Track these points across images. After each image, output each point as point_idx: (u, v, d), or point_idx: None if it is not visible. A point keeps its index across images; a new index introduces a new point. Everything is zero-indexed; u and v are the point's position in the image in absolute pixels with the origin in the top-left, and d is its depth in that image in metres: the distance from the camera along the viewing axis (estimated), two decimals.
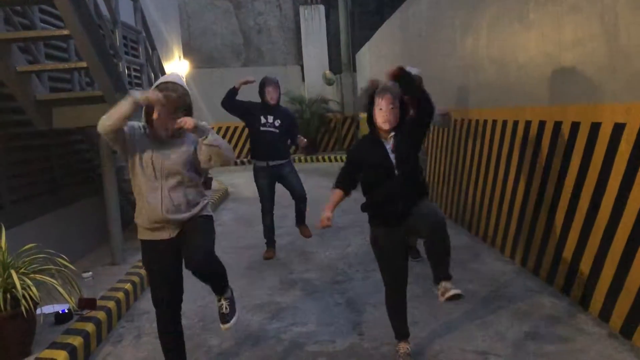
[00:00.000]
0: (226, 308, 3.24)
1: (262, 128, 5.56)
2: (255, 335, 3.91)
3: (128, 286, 4.71)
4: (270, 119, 5.59)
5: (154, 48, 6.62)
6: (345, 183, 3.28)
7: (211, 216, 3.23)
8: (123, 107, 2.83)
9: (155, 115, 2.90)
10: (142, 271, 5.13)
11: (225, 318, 3.23)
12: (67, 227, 5.50)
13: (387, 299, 3.36)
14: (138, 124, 3.05)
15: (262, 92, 5.60)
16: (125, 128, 2.93)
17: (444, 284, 3.05)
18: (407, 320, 3.38)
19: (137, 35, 6.16)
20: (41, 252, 3.69)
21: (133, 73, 7.25)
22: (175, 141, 3.02)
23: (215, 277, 3.18)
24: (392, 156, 3.13)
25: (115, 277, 4.95)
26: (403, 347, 3.32)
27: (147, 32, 6.46)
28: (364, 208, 3.29)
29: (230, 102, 5.46)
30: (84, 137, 6.04)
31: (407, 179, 3.13)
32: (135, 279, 4.91)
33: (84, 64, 4.67)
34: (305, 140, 5.97)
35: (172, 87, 2.93)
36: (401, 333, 3.36)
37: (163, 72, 6.89)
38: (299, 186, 5.78)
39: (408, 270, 3.35)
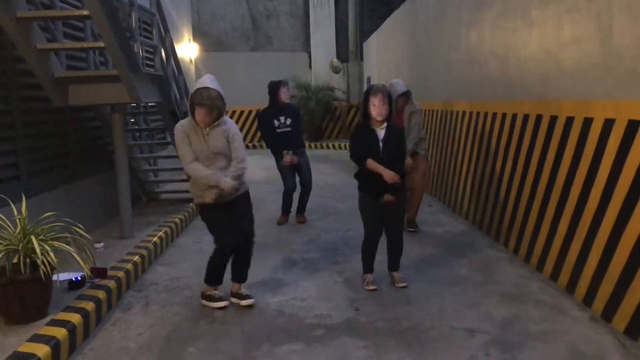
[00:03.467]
0: (244, 292, 4.23)
1: (278, 130, 6.45)
2: (257, 307, 4.13)
3: (137, 258, 4.93)
4: (282, 119, 6.44)
5: (167, 30, 6.79)
6: (366, 154, 4.23)
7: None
8: (209, 181, 3.88)
9: (197, 117, 3.83)
10: (150, 245, 5.36)
11: (245, 298, 4.18)
12: (79, 201, 5.71)
13: (365, 243, 4.45)
14: (183, 123, 3.98)
15: (275, 93, 6.42)
16: (185, 139, 3.90)
17: (395, 274, 4.52)
18: (374, 260, 4.48)
19: (151, 17, 6.32)
20: (58, 220, 3.90)
21: (146, 54, 7.43)
22: (214, 130, 3.92)
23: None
24: (381, 144, 4.20)
25: (125, 250, 5.17)
26: (369, 276, 4.47)
27: (161, 15, 6.62)
28: (356, 176, 4.40)
29: (272, 139, 6.50)
30: (98, 115, 6.24)
31: (389, 163, 4.16)
32: (144, 252, 5.13)
33: (101, 44, 4.86)
34: (290, 158, 6.50)
35: (206, 94, 3.79)
36: (369, 268, 4.49)
37: (175, 55, 7.07)
38: (308, 178, 6.68)
39: (382, 227, 4.40)
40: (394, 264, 4.53)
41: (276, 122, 6.42)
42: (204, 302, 4.20)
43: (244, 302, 4.14)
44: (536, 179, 4.64)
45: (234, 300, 4.20)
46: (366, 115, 4.26)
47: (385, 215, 4.36)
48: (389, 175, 4.12)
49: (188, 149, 3.90)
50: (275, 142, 6.49)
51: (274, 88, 6.44)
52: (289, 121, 6.46)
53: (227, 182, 3.87)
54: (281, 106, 6.44)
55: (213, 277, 4.20)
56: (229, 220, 4.04)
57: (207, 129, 3.90)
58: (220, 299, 4.17)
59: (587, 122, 3.84)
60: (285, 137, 6.45)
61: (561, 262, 4.19)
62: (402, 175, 4.24)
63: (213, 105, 3.82)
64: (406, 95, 5.83)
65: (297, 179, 6.70)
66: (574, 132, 4.03)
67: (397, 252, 4.50)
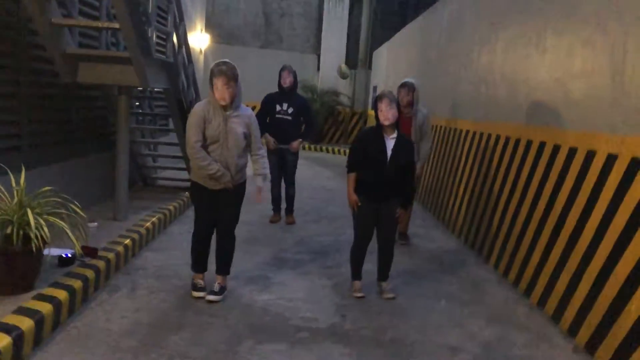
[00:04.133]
0: (217, 288, 4.17)
1: (277, 115, 6.44)
2: (244, 304, 4.14)
3: (128, 242, 4.92)
4: (285, 106, 6.41)
5: (181, 19, 6.80)
6: (357, 167, 4.34)
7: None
8: (210, 172, 3.93)
9: (216, 91, 3.86)
10: (142, 229, 5.36)
11: (212, 293, 4.14)
12: (77, 178, 5.70)
13: (353, 249, 4.49)
14: (201, 104, 4.01)
15: (279, 77, 6.42)
16: (200, 122, 3.91)
17: (383, 284, 4.51)
18: (362, 267, 4.49)
19: (167, 4, 6.33)
20: (55, 195, 3.89)
21: (158, 40, 7.44)
22: (236, 117, 3.99)
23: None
24: (389, 153, 4.22)
25: (117, 232, 5.16)
26: (357, 283, 4.47)
27: (177, 2, 6.63)
28: (357, 181, 4.35)
29: (262, 122, 6.10)
30: (104, 95, 6.23)
31: (394, 173, 4.23)
32: (135, 236, 5.13)
33: (116, 25, 4.86)
34: (294, 144, 6.51)
35: (224, 64, 3.88)
36: (356, 275, 4.49)
37: (187, 44, 7.07)
38: (291, 175, 6.69)
39: (373, 231, 4.42)
40: (382, 274, 4.54)
41: (278, 107, 6.43)
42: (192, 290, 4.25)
43: (208, 297, 4.12)
44: (533, 204, 4.67)
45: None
46: (378, 120, 4.31)
47: (380, 224, 4.39)
48: (351, 200, 4.33)
49: (198, 132, 3.90)
50: (271, 127, 6.41)
51: (280, 71, 6.51)
52: (290, 110, 6.44)
53: (259, 183, 4.24)
54: (286, 92, 6.46)
55: (193, 262, 4.27)
56: (211, 206, 4.09)
57: (228, 113, 3.93)
58: (200, 289, 4.19)
59: (590, 155, 3.87)
60: (282, 124, 6.41)
61: (550, 289, 4.21)
62: (413, 188, 4.43)
63: (231, 75, 3.84)
64: (408, 88, 5.73)
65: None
66: (576, 163, 4.06)
67: (387, 262, 4.51)
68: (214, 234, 4.26)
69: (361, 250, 4.47)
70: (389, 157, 4.22)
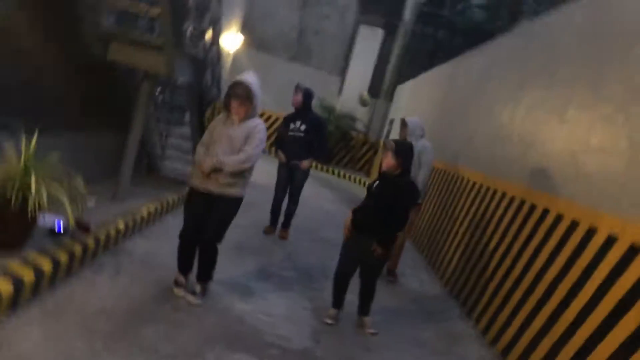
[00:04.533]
0: (199, 291, 4.19)
1: (290, 133, 6.59)
2: (221, 309, 4.14)
3: (120, 224, 4.93)
4: (298, 124, 6.56)
5: (219, 18, 6.89)
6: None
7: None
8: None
9: (232, 107, 4.05)
10: (137, 215, 5.37)
11: (192, 293, 4.16)
12: (84, 151, 5.72)
13: (336, 277, 4.51)
14: (218, 118, 4.20)
15: (308, 102, 6.65)
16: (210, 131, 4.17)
17: (365, 318, 4.51)
18: (343, 297, 4.51)
19: (208, 1, 6.42)
20: (61, 164, 3.91)
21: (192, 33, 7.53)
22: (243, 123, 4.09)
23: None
24: (375, 190, 4.42)
25: (112, 212, 5.18)
26: (333, 311, 4.49)
27: (218, 1, 6.73)
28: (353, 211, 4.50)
29: (281, 142, 6.71)
30: (129, 77, 6.29)
31: (381, 211, 4.29)
32: (129, 219, 5.14)
33: (157, 11, 4.94)
34: (304, 163, 6.61)
35: (242, 88, 3.99)
36: (336, 303, 4.52)
37: (218, 44, 7.15)
38: (297, 190, 6.74)
39: (357, 266, 4.46)
40: (364, 308, 4.54)
41: (292, 125, 6.57)
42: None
43: (187, 297, 4.12)
44: (525, 269, 4.66)
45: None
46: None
47: (365, 260, 4.42)
48: (346, 226, 4.42)
49: (205, 136, 4.18)
50: (283, 143, 6.63)
51: (308, 96, 6.65)
52: (303, 127, 6.53)
53: (206, 161, 4.00)
54: (299, 111, 6.60)
55: (179, 261, 4.27)
56: (197, 210, 4.09)
57: (237, 122, 4.09)
58: (180, 286, 4.20)
59: (591, 232, 3.88)
60: (294, 141, 6.53)
61: (527, 358, 4.19)
62: (393, 234, 4.38)
63: (245, 96, 4.01)
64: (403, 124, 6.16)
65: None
66: (575, 236, 4.07)
67: (368, 297, 4.51)
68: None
69: (342, 281, 4.49)
70: (375, 195, 4.39)
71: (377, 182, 4.47)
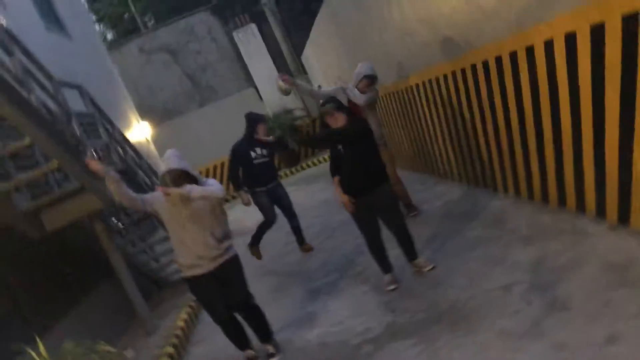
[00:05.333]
0: (273, 350, 4.14)
1: (255, 162, 6.34)
2: (300, 347, 4.10)
3: (170, 350, 4.87)
4: (259, 150, 6.37)
5: (112, 124, 6.79)
6: (335, 169, 4.48)
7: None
8: (110, 186, 3.79)
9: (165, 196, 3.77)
10: (179, 331, 5.31)
11: (273, 356, 4.11)
12: (93, 317, 5.65)
13: (368, 246, 4.48)
14: (157, 193, 3.88)
15: (253, 129, 6.28)
16: (148, 198, 3.91)
17: (416, 261, 4.48)
18: (388, 258, 4.48)
19: (92, 118, 6.32)
20: (78, 345, 3.85)
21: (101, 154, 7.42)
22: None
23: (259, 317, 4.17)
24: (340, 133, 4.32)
25: (155, 345, 5.11)
26: (388, 276, 4.46)
27: (100, 112, 6.62)
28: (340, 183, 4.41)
29: (236, 174, 6.44)
30: (80, 230, 6.19)
31: (358, 150, 4.24)
32: (175, 340, 5.08)
33: (55, 164, 4.84)
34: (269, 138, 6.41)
35: (168, 174, 3.79)
36: (385, 268, 4.48)
37: (129, 144, 7.06)
38: (289, 207, 6.59)
39: (378, 224, 4.41)
40: (411, 253, 4.50)
41: (253, 154, 6.32)
42: None
43: None
44: (506, 119, 4.67)
45: None
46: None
47: (382, 215, 4.38)
48: (343, 201, 4.35)
49: (146, 197, 3.96)
50: (252, 175, 6.37)
51: (253, 122, 6.32)
52: (265, 151, 6.37)
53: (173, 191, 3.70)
54: (251, 138, 6.30)
55: (234, 343, 4.22)
56: (210, 290, 3.97)
57: (186, 198, 3.82)
58: (271, 355, 4.14)
59: (530, 51, 3.88)
60: (262, 168, 6.36)
61: (562, 188, 4.20)
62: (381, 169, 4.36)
63: (177, 178, 3.79)
64: (370, 79, 5.81)
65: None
66: (522, 63, 4.07)
67: (407, 242, 4.45)
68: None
69: (374, 244, 4.44)
70: (343, 136, 4.28)
71: (340, 137, 4.33)
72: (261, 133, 6.24)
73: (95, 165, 3.80)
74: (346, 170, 4.33)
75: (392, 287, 4.38)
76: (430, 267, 4.41)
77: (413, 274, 4.49)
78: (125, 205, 3.96)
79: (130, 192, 3.87)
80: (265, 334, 4.19)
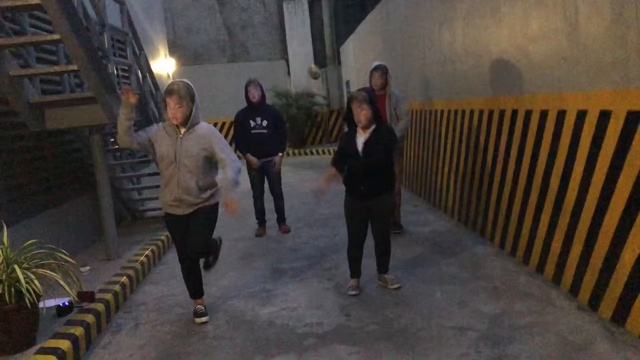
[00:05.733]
0: (201, 309, 4.22)
1: (253, 131, 6.34)
2: (248, 320, 4.13)
3: (124, 279, 4.89)
4: (259, 120, 6.32)
5: (140, 49, 6.78)
6: (337, 162, 4.40)
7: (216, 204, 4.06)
8: (119, 122, 3.81)
9: (169, 111, 3.76)
10: (138, 265, 5.34)
11: (199, 315, 4.18)
12: (63, 224, 5.67)
13: (349, 249, 4.48)
14: (157, 126, 3.97)
15: (246, 93, 6.31)
16: (144, 135, 3.90)
17: (385, 276, 4.54)
18: (360, 265, 4.51)
19: (124, 36, 6.31)
20: (42, 247, 3.87)
21: (121, 73, 7.41)
22: (190, 134, 3.85)
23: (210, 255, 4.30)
24: (360, 149, 4.21)
25: (112, 271, 5.14)
26: (353, 281, 4.49)
27: (134, 34, 6.61)
28: (343, 179, 4.38)
29: (239, 139, 6.45)
30: (76, 138, 6.20)
31: (372, 169, 4.19)
32: (131, 272, 5.10)
33: (74, 67, 4.84)
34: (276, 163, 6.51)
35: (174, 84, 3.78)
36: (354, 272, 4.51)
37: (150, 72, 7.05)
38: (277, 187, 6.66)
39: (366, 231, 4.42)
40: (382, 266, 4.55)
41: (252, 122, 6.33)
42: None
43: (196, 319, 4.16)
44: (516, 172, 4.70)
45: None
46: (350, 123, 4.32)
47: (371, 218, 4.38)
48: (320, 185, 4.31)
49: (142, 135, 3.92)
50: (248, 143, 6.38)
51: (246, 86, 6.37)
52: (265, 123, 6.34)
53: (226, 197, 3.82)
54: (256, 106, 6.32)
55: (188, 288, 4.27)
56: (183, 229, 4.00)
57: (183, 131, 3.85)
58: (202, 314, 4.18)
59: (561, 115, 3.90)
60: (259, 138, 6.33)
61: (546, 254, 4.24)
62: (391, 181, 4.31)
63: (182, 94, 3.74)
64: (380, 70, 5.72)
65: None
66: (549, 125, 4.08)
67: (384, 254, 4.50)
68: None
69: (355, 247, 4.45)
70: (361, 154, 4.20)
71: (363, 138, 4.22)
72: (250, 95, 6.27)
73: (131, 97, 3.75)
74: (351, 173, 4.29)
75: (354, 292, 4.41)
76: (396, 286, 4.45)
77: (378, 287, 4.52)
78: (123, 146, 3.97)
79: (134, 140, 3.88)
80: (198, 290, 4.27)
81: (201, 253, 4.09)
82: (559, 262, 4.04)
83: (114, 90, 5.20)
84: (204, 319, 4.15)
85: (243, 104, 6.48)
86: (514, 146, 4.71)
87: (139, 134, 3.94)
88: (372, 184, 4.23)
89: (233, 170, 3.82)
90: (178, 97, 3.72)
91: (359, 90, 4.31)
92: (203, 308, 4.23)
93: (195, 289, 4.26)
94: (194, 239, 3.96)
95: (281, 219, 6.80)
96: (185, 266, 4.19)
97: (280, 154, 6.52)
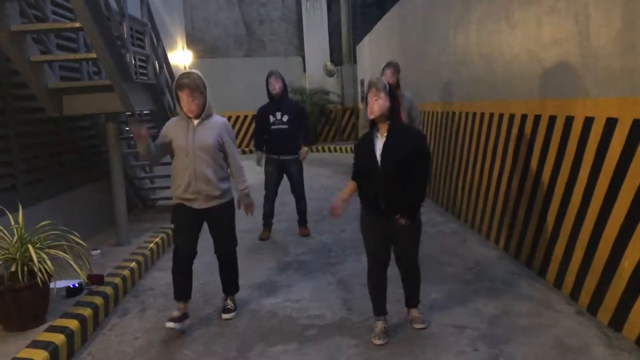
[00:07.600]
0: (231, 305, 4.16)
1: (272, 127, 6.05)
2: (252, 310, 4.22)
3: (133, 265, 5.01)
4: (279, 115, 6.02)
5: (159, 39, 6.88)
6: (357, 177, 3.54)
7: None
8: (142, 157, 3.89)
9: (182, 103, 3.74)
10: (147, 251, 5.45)
11: (228, 311, 4.12)
12: (75, 209, 5.79)
13: (369, 276, 3.62)
14: (169, 122, 3.96)
15: (267, 85, 6.02)
16: (161, 143, 3.91)
17: (413, 311, 3.76)
18: (385, 300, 3.64)
19: (143, 27, 6.41)
20: (55, 229, 3.98)
21: (139, 63, 7.53)
22: (203, 124, 3.84)
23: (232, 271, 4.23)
24: (378, 156, 3.35)
25: (121, 257, 5.25)
26: (379, 325, 3.59)
27: (153, 24, 6.71)
28: (359, 194, 3.56)
29: (257, 134, 6.30)
30: (92, 124, 6.32)
31: (392, 179, 3.31)
32: (140, 258, 5.21)
33: (93, 55, 4.94)
34: (304, 153, 6.26)
35: (186, 75, 3.72)
36: (378, 310, 3.63)
37: (168, 63, 7.16)
38: (299, 188, 6.31)
39: (390, 254, 3.58)
40: (410, 300, 3.74)
41: (272, 118, 6.01)
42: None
43: (224, 315, 4.08)
44: (523, 177, 4.74)
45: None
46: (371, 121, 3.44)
47: (395, 244, 3.54)
48: (333, 205, 3.49)
49: (160, 147, 3.91)
50: (268, 140, 6.10)
51: (267, 77, 6.03)
52: (285, 118, 5.98)
53: (251, 204, 4.16)
54: (277, 100, 6.00)
55: (175, 286, 3.96)
56: (191, 227, 3.91)
57: (196, 122, 3.81)
58: (173, 320, 3.80)
59: (569, 121, 3.93)
60: (278, 135, 6.01)
61: (548, 258, 4.28)
62: (420, 196, 3.43)
63: (194, 86, 3.68)
64: (393, 67, 5.43)
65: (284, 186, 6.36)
66: (557, 130, 4.12)
67: (414, 286, 3.70)
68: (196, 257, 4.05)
69: (375, 275, 3.57)
70: (379, 162, 3.33)
71: (376, 140, 3.41)
72: (271, 87, 5.96)
73: (142, 131, 3.66)
74: (368, 185, 3.44)
75: (379, 341, 3.48)
76: (421, 326, 3.67)
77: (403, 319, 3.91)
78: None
79: (159, 159, 4.04)
80: (231, 287, 4.20)
81: (229, 250, 4.16)
82: (561, 266, 4.08)
83: (131, 79, 5.30)
84: (171, 324, 3.77)
85: (258, 98, 6.40)
86: (522, 151, 4.75)
87: (157, 145, 3.88)
88: (394, 200, 3.36)
89: (243, 179, 4.07)
90: (190, 90, 3.67)
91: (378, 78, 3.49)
92: (178, 314, 3.87)
93: (181, 288, 3.94)
94: (221, 234, 4.07)
95: (302, 221, 6.48)
96: (180, 260, 3.92)
97: (306, 148, 6.23)
